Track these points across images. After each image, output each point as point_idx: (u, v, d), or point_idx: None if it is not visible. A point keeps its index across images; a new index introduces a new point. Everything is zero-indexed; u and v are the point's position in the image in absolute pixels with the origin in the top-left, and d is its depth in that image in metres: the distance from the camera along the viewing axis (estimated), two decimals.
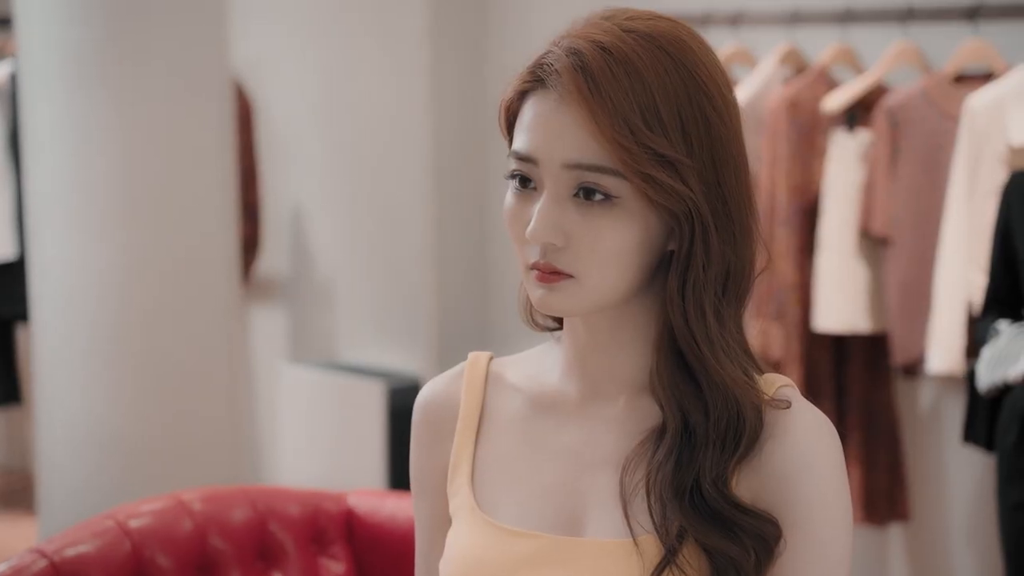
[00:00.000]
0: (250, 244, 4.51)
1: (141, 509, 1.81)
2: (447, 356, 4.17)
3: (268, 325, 4.74)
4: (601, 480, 1.27)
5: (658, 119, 1.18)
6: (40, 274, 3.31)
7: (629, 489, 1.23)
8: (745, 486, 1.22)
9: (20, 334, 5.08)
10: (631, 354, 1.27)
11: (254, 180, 4.52)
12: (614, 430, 1.28)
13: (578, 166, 1.19)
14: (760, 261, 1.26)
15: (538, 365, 1.35)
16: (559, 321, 1.35)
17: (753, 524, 1.20)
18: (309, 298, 4.57)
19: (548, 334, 1.37)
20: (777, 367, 3.32)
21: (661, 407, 1.24)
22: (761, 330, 3.32)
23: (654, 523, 1.21)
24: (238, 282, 3.49)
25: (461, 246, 4.25)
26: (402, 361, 4.23)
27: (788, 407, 1.23)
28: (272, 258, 4.66)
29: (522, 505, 1.29)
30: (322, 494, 1.98)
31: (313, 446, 4.38)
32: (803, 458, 1.21)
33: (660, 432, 1.24)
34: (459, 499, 1.32)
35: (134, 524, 1.76)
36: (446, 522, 1.35)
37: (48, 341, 3.30)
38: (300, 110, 4.52)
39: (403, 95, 4.18)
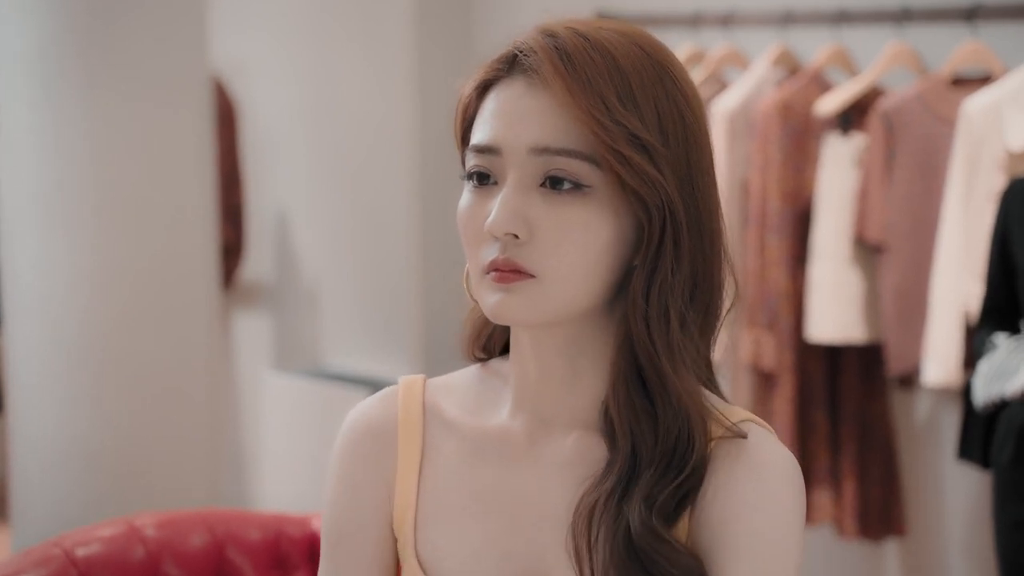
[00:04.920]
0: (234, 248, 4.44)
1: (90, 536, 1.72)
2: (433, 362, 4.10)
3: (252, 331, 4.67)
4: (558, 535, 1.15)
5: (634, 102, 1.11)
6: (12, 280, 3.24)
7: (582, 545, 1.12)
8: (700, 520, 1.13)
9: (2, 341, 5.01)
10: (585, 385, 1.17)
11: (238, 183, 4.45)
12: (566, 475, 1.17)
13: (547, 150, 1.11)
14: (728, 285, 1.17)
15: (477, 396, 1.23)
16: (505, 350, 1.25)
17: (680, 561, 1.10)
18: (294, 304, 4.50)
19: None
20: (769, 378, 3.26)
21: (613, 436, 1.14)
22: (753, 340, 3.25)
23: None
24: (218, 288, 3.42)
25: (447, 251, 4.18)
26: (389, 368, 4.17)
27: (744, 437, 1.13)
28: (256, 263, 4.60)
29: (472, 566, 1.17)
30: (285, 518, 1.89)
31: (298, 454, 4.31)
32: (756, 494, 1.12)
33: (607, 468, 1.14)
34: (402, 556, 1.21)
35: (81, 552, 1.68)
36: None
37: (20, 349, 3.23)
38: (285, 112, 4.47)
39: (389, 98, 4.12)
